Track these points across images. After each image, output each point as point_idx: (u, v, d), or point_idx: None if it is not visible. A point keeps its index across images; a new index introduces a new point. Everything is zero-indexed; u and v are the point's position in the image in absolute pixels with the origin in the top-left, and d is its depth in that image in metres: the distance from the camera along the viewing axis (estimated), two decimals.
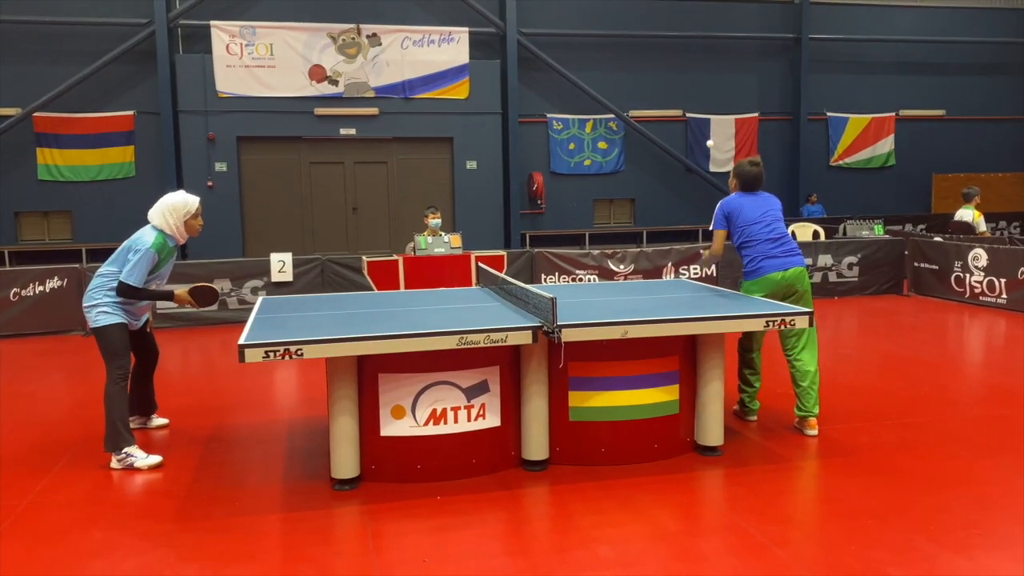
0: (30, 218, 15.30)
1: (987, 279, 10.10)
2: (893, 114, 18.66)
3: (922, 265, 11.15)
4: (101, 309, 4.75)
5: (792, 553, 3.48)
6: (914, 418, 5.40)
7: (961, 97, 18.96)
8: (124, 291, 4.72)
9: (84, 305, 4.82)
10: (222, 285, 9.87)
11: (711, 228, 5.37)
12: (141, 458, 4.72)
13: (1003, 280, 9.88)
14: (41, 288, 9.32)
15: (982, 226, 11.61)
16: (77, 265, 9.70)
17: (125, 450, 4.71)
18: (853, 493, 4.19)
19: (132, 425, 5.11)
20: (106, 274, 4.80)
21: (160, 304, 9.59)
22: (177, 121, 15.01)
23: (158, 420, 5.58)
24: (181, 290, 4.95)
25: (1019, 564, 3.35)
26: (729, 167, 17.78)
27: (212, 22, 14.90)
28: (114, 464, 4.71)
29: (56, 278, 9.37)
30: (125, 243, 4.83)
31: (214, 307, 9.63)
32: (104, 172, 15.20)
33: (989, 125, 19.21)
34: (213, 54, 14.90)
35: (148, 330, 5.34)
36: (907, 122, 18.77)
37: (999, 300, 9.93)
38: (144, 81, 15.19)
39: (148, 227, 4.85)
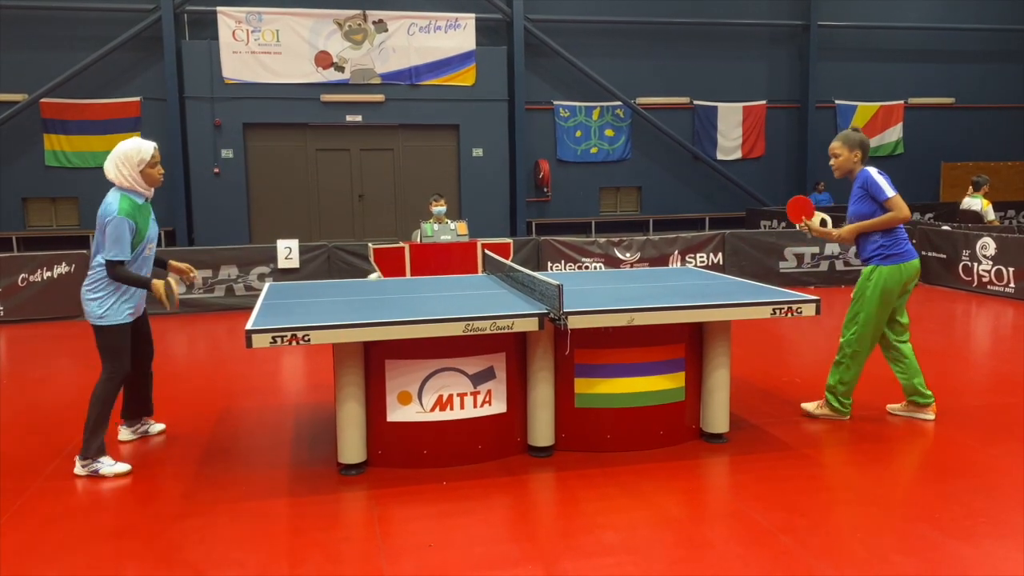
0: (37, 204, 15.35)
1: (995, 268, 10.06)
2: (902, 102, 18.54)
3: (930, 254, 11.10)
4: (103, 303, 4.36)
5: (797, 540, 3.48)
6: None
7: (970, 85, 18.83)
8: (114, 272, 4.27)
9: (84, 298, 4.42)
10: (229, 272, 9.89)
11: (889, 195, 4.73)
12: (108, 465, 4.37)
13: (1011, 269, 9.83)
14: (49, 274, 9.35)
15: (991, 215, 11.54)
16: (84, 251, 9.72)
17: (93, 457, 4.36)
18: (858, 481, 4.19)
19: (129, 434, 4.94)
20: (98, 263, 4.36)
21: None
22: (183, 107, 15.01)
23: (157, 426, 5.12)
24: (159, 282, 4.35)
25: None
26: (736, 155, 17.77)
27: (218, 8, 14.87)
28: (78, 470, 4.36)
29: (63, 264, 9.41)
30: (99, 216, 4.33)
31: (200, 291, 9.66)
32: None
33: (998, 113, 19.08)
34: (219, 40, 14.88)
35: (144, 319, 4.86)
36: (916, 110, 18.65)
37: (1007, 289, 9.89)
38: (150, 67, 15.18)
39: (111, 192, 4.35)
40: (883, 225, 4.79)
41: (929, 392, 5.09)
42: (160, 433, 5.11)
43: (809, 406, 5.22)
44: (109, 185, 4.42)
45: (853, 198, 4.97)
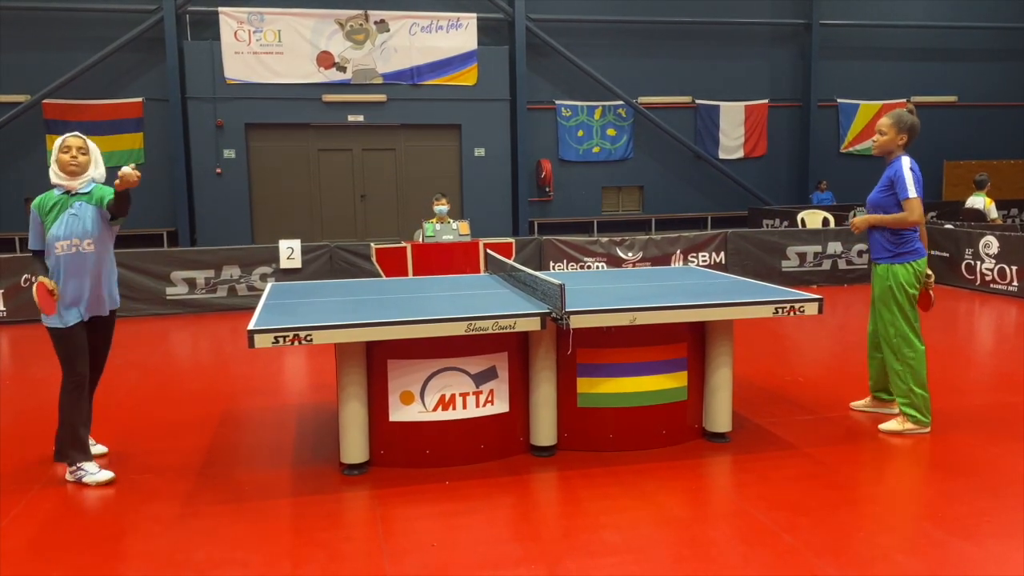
0: None
1: (998, 266, 10.04)
2: (904, 100, 18.50)
3: (933, 253, 11.08)
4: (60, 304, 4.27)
5: (800, 539, 3.48)
6: None
7: (973, 83, 18.81)
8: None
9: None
10: (231, 272, 9.89)
11: (910, 195, 4.57)
12: (91, 473, 4.26)
13: (1014, 268, 9.82)
14: None
15: (993, 213, 11.54)
16: None
17: (78, 464, 4.28)
18: (861, 480, 4.19)
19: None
20: None
21: (170, 290, 9.65)
22: (186, 108, 15.03)
23: (99, 447, 4.70)
24: (43, 278, 4.30)
25: None
26: (738, 154, 17.75)
27: (220, 9, 14.89)
28: (68, 477, 4.30)
29: None
30: None
31: (203, 292, 9.65)
32: (113, 159, 15.20)
33: (1001, 112, 19.06)
34: (221, 41, 14.89)
35: (111, 322, 4.61)
36: (918, 108, 18.53)
37: (1010, 288, 9.87)
38: (153, 68, 15.21)
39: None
40: (893, 223, 4.69)
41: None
42: (102, 455, 4.69)
43: (888, 425, 4.89)
44: (111, 183, 4.39)
45: (879, 186, 4.80)
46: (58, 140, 4.38)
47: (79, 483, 4.26)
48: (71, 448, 4.30)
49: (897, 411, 4.97)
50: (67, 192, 4.32)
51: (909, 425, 4.81)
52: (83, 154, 4.33)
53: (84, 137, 4.40)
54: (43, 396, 6.16)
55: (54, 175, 4.34)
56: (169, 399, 5.96)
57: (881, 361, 5.03)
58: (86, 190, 4.35)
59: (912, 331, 4.77)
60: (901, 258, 4.73)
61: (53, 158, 4.33)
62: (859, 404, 5.33)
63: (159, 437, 5.05)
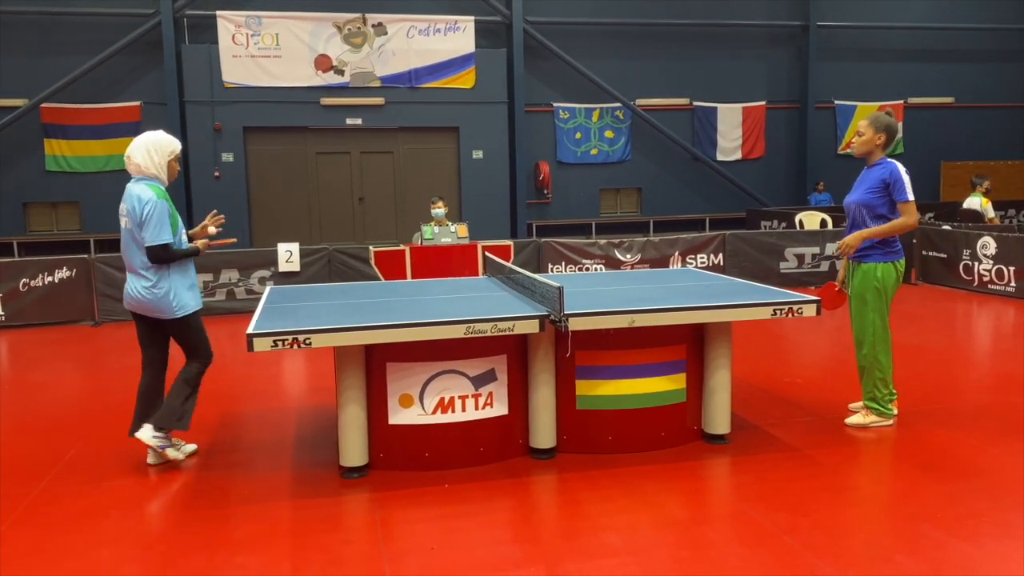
0: (38, 209, 15.37)
1: (996, 267, 10.06)
2: (901, 102, 18.56)
3: (930, 253, 11.10)
4: (176, 296, 4.37)
5: (799, 541, 3.48)
6: (922, 406, 5.38)
7: (970, 84, 18.85)
8: (158, 255, 4.28)
9: (151, 298, 4.34)
10: (230, 275, 9.89)
11: (910, 198, 4.64)
12: (180, 447, 4.61)
13: (1012, 268, 9.83)
14: (50, 278, 9.36)
15: (990, 213, 11.55)
16: (85, 256, 9.73)
17: (168, 437, 4.49)
18: (861, 481, 4.19)
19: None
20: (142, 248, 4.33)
21: None
22: (184, 111, 15.03)
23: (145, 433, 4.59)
24: (202, 242, 4.59)
25: None
26: (736, 156, 17.78)
27: (218, 12, 14.90)
28: (149, 439, 4.40)
29: (65, 268, 9.41)
30: (128, 212, 4.33)
31: (201, 296, 9.65)
32: (112, 163, 15.24)
33: (998, 112, 19.09)
34: (219, 44, 14.91)
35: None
36: (915, 110, 18.67)
37: (1008, 288, 9.89)
38: (150, 72, 15.22)
39: (134, 184, 4.38)
40: (890, 232, 4.73)
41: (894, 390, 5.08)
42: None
43: (853, 420, 4.99)
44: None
45: (868, 186, 4.82)
46: (174, 141, 4.52)
47: (160, 451, 4.49)
48: (172, 422, 4.46)
49: (894, 412, 5.03)
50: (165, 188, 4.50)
51: (872, 418, 4.93)
52: None
53: None
54: (42, 401, 6.15)
55: (159, 171, 4.43)
56: None
57: None
58: None
59: (885, 330, 4.87)
60: (889, 257, 4.81)
61: (166, 158, 4.45)
62: (856, 406, 5.30)
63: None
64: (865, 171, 4.96)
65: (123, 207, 4.39)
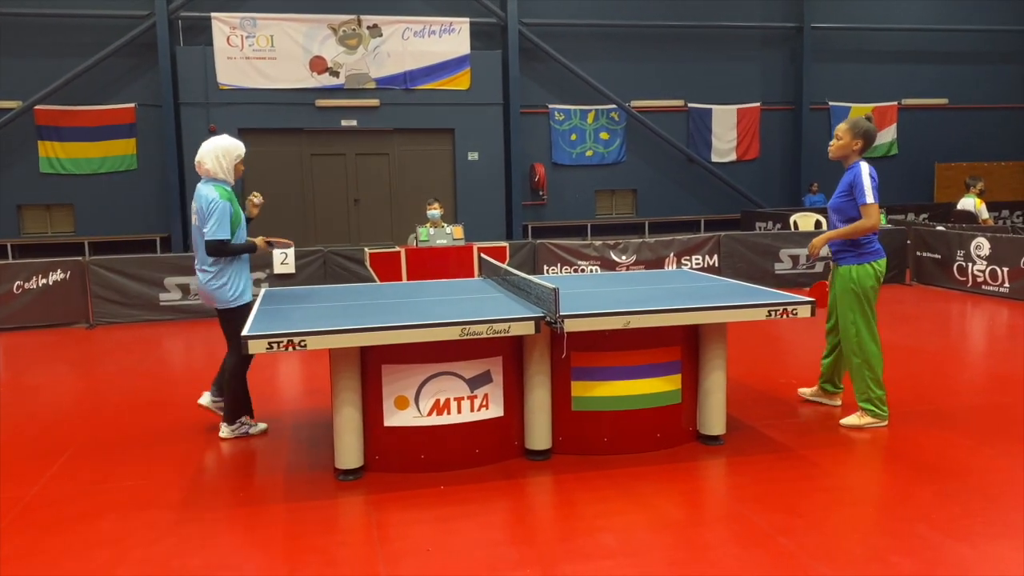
0: (32, 211, 15.32)
1: (989, 268, 10.09)
2: (895, 103, 18.61)
3: (924, 254, 11.14)
4: (233, 287, 4.85)
5: (795, 541, 3.49)
6: (916, 407, 5.40)
7: (963, 86, 18.91)
8: (215, 249, 4.73)
9: (211, 287, 4.83)
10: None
11: (868, 200, 4.67)
12: (253, 427, 5.09)
13: (1005, 269, 9.87)
14: (44, 281, 9.33)
15: (984, 214, 11.60)
16: (80, 258, 9.71)
17: (240, 420, 5.04)
18: (855, 481, 4.20)
19: (205, 401, 5.34)
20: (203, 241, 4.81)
21: (163, 296, 9.62)
22: (178, 113, 15.01)
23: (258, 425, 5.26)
24: (260, 239, 5.03)
25: (1022, 552, 3.36)
26: (731, 157, 17.80)
27: (212, 14, 14.88)
28: (225, 433, 5.00)
29: (59, 271, 9.39)
30: (197, 210, 4.80)
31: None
32: (106, 165, 15.22)
33: (991, 114, 19.16)
34: (214, 46, 14.89)
35: None
36: (909, 111, 18.72)
37: (1001, 289, 9.92)
38: (145, 73, 15.19)
39: (203, 185, 4.82)
40: (851, 234, 4.78)
41: (842, 385, 5.40)
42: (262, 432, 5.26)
43: (848, 420, 5.02)
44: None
45: (840, 191, 4.92)
46: (240, 145, 4.96)
47: (244, 436, 5.04)
48: (234, 411, 5.02)
49: (838, 403, 5.36)
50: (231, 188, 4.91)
51: (868, 419, 4.96)
52: None
53: None
54: (37, 403, 6.14)
55: (228, 174, 4.88)
56: (163, 405, 5.95)
57: (835, 356, 5.28)
58: None
59: (869, 331, 4.90)
60: (863, 258, 4.84)
61: (233, 161, 4.89)
62: (806, 392, 5.62)
63: (153, 443, 5.04)
64: (842, 177, 5.02)
65: (194, 206, 4.87)
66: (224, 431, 5.04)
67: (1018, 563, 3.27)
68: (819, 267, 11.19)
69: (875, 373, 4.94)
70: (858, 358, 4.92)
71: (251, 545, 3.59)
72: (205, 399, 5.34)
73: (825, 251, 5.03)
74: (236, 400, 5.03)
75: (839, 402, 5.40)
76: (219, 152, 4.84)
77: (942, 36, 18.55)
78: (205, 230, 4.74)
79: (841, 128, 4.96)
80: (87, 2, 14.81)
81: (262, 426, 5.19)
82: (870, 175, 4.78)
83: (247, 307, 4.87)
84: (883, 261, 4.92)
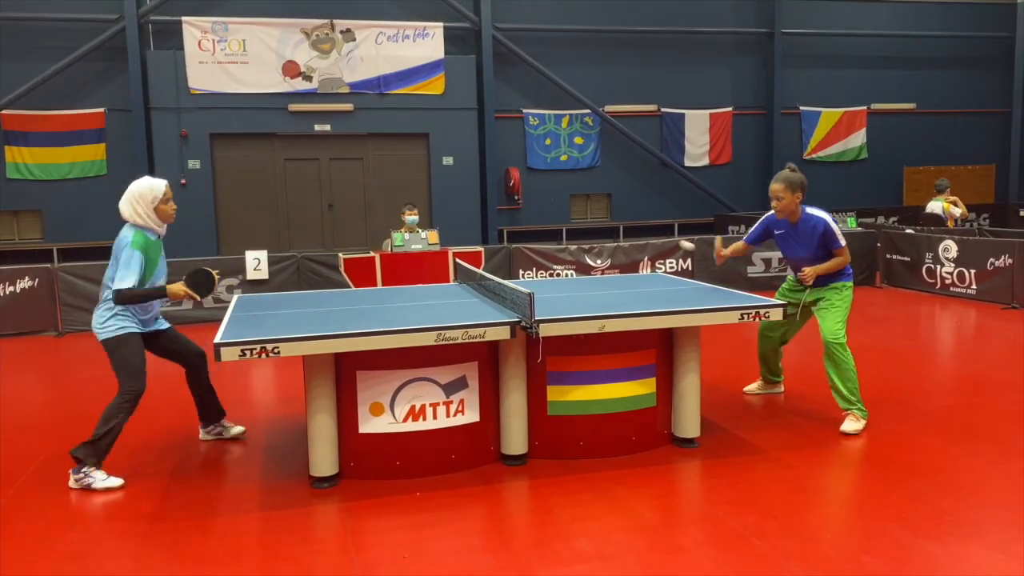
0: None
1: (957, 270, 10.26)
2: (865, 108, 18.87)
3: (894, 257, 11.29)
4: (108, 320, 4.41)
5: (768, 543, 3.52)
6: (886, 408, 5.47)
7: (931, 91, 19.21)
8: (119, 299, 4.32)
9: (95, 323, 4.46)
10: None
11: (842, 244, 5.15)
12: (100, 479, 4.35)
13: (973, 271, 10.03)
14: (11, 288, 9.18)
15: (957, 212, 11.84)
16: (48, 265, 9.56)
17: (84, 470, 4.36)
18: (828, 483, 4.25)
19: (208, 436, 5.16)
20: (108, 284, 4.43)
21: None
22: (149, 118, 14.84)
23: (235, 429, 5.20)
24: (175, 284, 4.44)
25: (990, 550, 3.42)
26: (704, 162, 17.94)
27: (183, 18, 14.74)
28: (71, 483, 4.37)
29: (27, 278, 9.24)
30: (114, 247, 4.46)
31: (168, 304, 9.53)
32: (75, 170, 15.00)
33: (959, 118, 19.48)
34: (185, 50, 14.74)
35: (167, 328, 4.86)
36: (879, 115, 18.99)
37: (969, 291, 10.09)
38: (115, 78, 15.00)
39: (126, 226, 4.48)
40: (838, 267, 5.15)
41: (782, 374, 5.96)
42: (238, 436, 5.21)
43: (849, 427, 5.01)
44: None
45: (808, 245, 5.17)
46: (155, 187, 4.53)
47: (87, 489, 4.33)
48: (91, 454, 4.36)
49: (781, 390, 5.91)
50: (157, 236, 4.58)
51: (863, 421, 5.06)
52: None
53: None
54: (6, 412, 6.03)
55: (148, 220, 4.49)
56: (134, 415, 5.86)
57: (774, 346, 5.72)
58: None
59: (845, 338, 5.13)
60: (847, 278, 5.25)
61: (150, 205, 4.48)
62: (752, 388, 5.97)
63: (124, 453, 4.97)
64: (790, 229, 5.27)
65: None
66: (73, 478, 4.39)
67: (987, 561, 3.33)
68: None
69: (855, 376, 5.09)
70: (844, 364, 5.05)
71: (224, 555, 3.55)
72: (204, 434, 5.19)
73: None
74: (96, 444, 4.36)
75: (782, 388, 5.94)
76: (133, 198, 4.47)
77: (911, 42, 18.84)
78: (112, 273, 4.38)
79: (778, 188, 5.16)
80: (55, 6, 14.60)
81: (237, 429, 5.14)
82: (833, 221, 5.17)
83: (120, 340, 4.41)
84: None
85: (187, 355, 4.95)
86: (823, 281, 5.22)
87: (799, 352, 7.48)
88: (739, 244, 5.62)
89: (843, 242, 5.18)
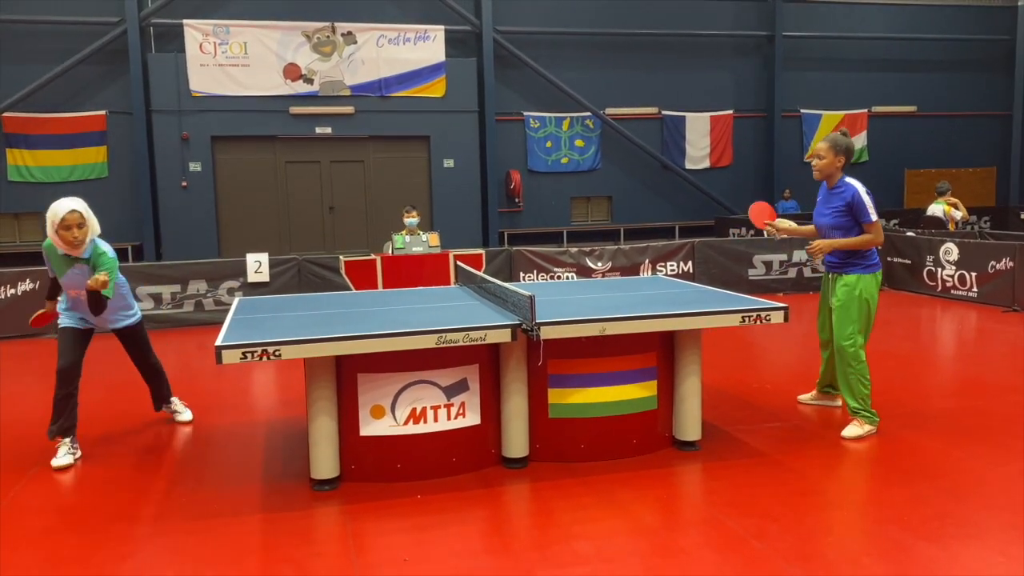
0: (0, 220, 15.08)
1: (958, 273, 10.26)
2: (865, 110, 18.87)
3: (895, 260, 11.29)
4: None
5: (769, 545, 3.52)
6: (887, 411, 5.46)
7: (932, 93, 19.22)
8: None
9: None
10: (198, 286, 9.78)
11: (873, 219, 4.78)
12: (58, 456, 4.80)
13: (974, 274, 10.03)
14: (13, 291, 9.19)
15: (957, 215, 11.84)
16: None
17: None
18: (829, 485, 4.25)
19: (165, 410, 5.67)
20: None
21: (143, 305, 9.49)
22: (150, 121, 14.86)
23: (183, 415, 5.69)
24: (49, 304, 5.27)
25: (991, 553, 3.42)
26: (704, 164, 17.94)
27: (185, 21, 14.76)
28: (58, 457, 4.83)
29: (28, 281, 9.25)
30: None
31: (169, 307, 9.52)
32: (76, 173, 15.02)
33: (959, 121, 19.49)
34: (186, 53, 14.76)
35: (133, 332, 5.47)
36: (879, 118, 18.99)
37: (970, 293, 10.09)
38: (116, 81, 15.02)
39: None
40: (860, 246, 4.86)
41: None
42: (186, 423, 5.64)
43: (851, 432, 4.96)
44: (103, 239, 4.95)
45: (833, 210, 4.95)
46: (52, 214, 4.63)
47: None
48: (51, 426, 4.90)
49: (838, 404, 5.46)
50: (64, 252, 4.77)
51: (867, 427, 4.98)
52: (80, 227, 4.63)
53: (78, 208, 4.67)
54: (4, 416, 6.03)
55: (53, 237, 4.69)
56: (136, 416, 5.88)
57: (832, 359, 5.32)
58: (87, 255, 4.76)
59: (863, 341, 4.97)
60: (870, 269, 4.92)
61: (51, 228, 4.64)
62: (805, 397, 5.68)
63: (126, 454, 4.98)
64: (826, 192, 5.07)
65: None
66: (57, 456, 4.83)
67: (988, 563, 3.32)
68: (791, 273, 11.31)
69: (867, 382, 4.96)
70: (854, 368, 4.93)
71: (225, 557, 3.55)
72: (179, 414, 5.71)
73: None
74: (55, 412, 4.93)
75: (839, 403, 5.49)
76: (48, 214, 4.72)
77: (911, 44, 18.85)
78: None
79: (822, 147, 4.96)
80: (57, 8, 14.62)
81: (187, 416, 5.64)
82: (867, 194, 4.86)
83: (59, 331, 5.03)
84: (881, 272, 5.02)
85: (134, 350, 5.55)
86: (839, 264, 4.96)
87: (799, 352, 7.48)
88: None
89: (874, 217, 4.81)
